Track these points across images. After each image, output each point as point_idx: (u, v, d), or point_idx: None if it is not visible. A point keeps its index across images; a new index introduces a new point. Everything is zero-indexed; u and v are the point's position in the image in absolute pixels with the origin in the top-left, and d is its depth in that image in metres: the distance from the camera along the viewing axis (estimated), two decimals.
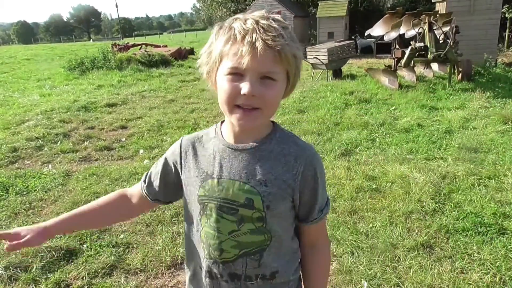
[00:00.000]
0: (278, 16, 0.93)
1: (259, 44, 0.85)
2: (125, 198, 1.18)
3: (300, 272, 1.14)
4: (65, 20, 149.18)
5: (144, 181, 1.15)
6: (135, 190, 1.18)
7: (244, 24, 0.88)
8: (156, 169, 1.13)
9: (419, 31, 8.44)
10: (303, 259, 1.12)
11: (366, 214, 3.20)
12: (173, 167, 1.09)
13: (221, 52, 0.90)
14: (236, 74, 0.89)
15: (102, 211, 1.16)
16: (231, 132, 1.01)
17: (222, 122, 1.07)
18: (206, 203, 1.01)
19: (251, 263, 1.01)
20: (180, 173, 1.07)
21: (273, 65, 0.89)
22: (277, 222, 1.01)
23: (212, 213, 1.00)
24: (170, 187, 1.11)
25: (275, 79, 0.90)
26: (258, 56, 0.86)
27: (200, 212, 1.03)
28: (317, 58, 9.65)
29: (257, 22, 0.88)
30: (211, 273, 1.05)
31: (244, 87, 0.88)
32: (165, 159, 1.12)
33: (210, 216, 1.01)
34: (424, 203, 3.28)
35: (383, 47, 14.51)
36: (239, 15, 0.93)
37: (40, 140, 5.50)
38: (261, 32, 0.86)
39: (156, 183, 1.12)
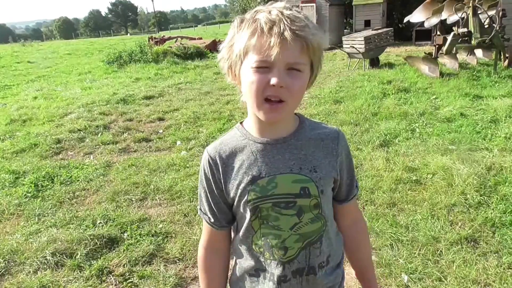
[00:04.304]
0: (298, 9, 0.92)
1: (288, 34, 0.84)
2: (217, 250, 1.12)
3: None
4: (104, 15, 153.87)
5: (209, 221, 1.07)
6: (212, 236, 1.11)
7: (269, 15, 0.87)
8: (209, 201, 1.06)
9: (463, 16, 8.04)
10: (350, 237, 1.16)
11: (406, 206, 3.11)
12: (219, 185, 1.03)
13: (246, 46, 0.88)
14: (263, 67, 0.88)
15: (223, 280, 1.14)
16: (260, 129, 1.00)
17: (241, 123, 1.06)
18: (259, 205, 0.98)
19: (313, 252, 1.03)
20: (224, 185, 1.02)
21: (300, 55, 0.88)
22: (326, 205, 1.04)
23: (269, 212, 0.99)
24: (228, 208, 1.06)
25: (301, 70, 0.90)
26: (288, 46, 0.84)
27: (250, 218, 1.01)
28: (353, 47, 9.40)
29: (282, 13, 0.87)
30: (274, 275, 1.03)
31: (273, 78, 0.87)
32: (207, 185, 1.05)
33: (267, 216, 0.99)
34: (468, 196, 3.14)
35: (422, 34, 13.97)
36: (260, 7, 0.91)
37: (82, 132, 5.71)
38: (289, 22, 0.85)
39: (219, 213, 1.06)
